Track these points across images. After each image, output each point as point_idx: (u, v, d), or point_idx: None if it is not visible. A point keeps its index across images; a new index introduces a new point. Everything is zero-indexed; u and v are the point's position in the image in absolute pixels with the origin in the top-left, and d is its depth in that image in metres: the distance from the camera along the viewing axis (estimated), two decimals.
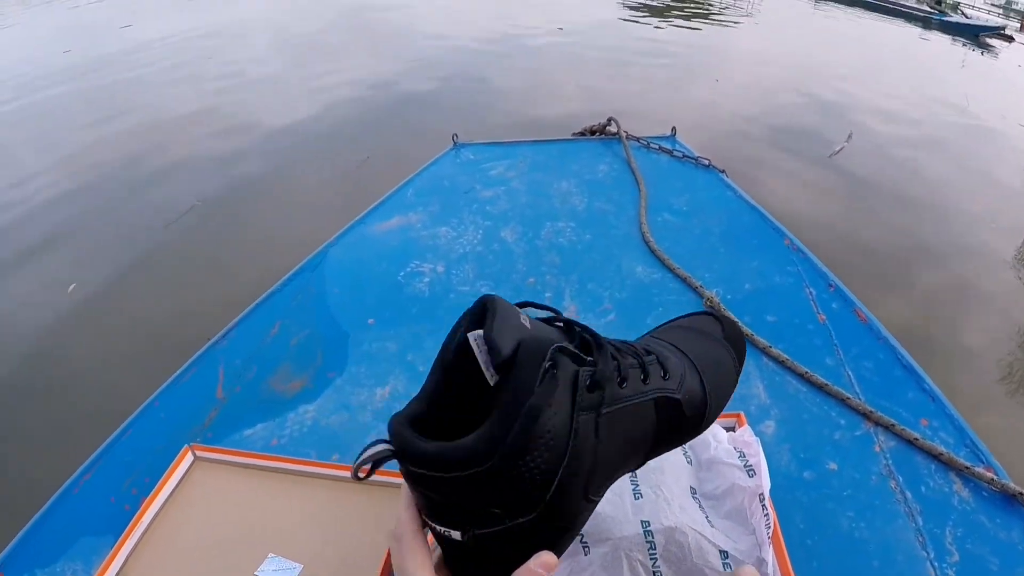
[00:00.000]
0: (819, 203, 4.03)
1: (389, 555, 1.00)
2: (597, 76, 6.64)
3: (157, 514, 1.09)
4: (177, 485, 1.14)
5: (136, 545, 1.05)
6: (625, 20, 9.43)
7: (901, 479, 1.15)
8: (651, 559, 0.82)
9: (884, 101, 5.56)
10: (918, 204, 4.05)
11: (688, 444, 0.96)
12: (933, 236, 3.72)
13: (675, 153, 2.41)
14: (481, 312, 0.51)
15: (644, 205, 2.02)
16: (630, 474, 0.89)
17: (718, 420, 1.04)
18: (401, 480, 0.51)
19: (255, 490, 1.13)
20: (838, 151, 4.74)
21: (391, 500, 1.08)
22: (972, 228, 3.87)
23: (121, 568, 1.02)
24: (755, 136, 4.99)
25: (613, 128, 2.59)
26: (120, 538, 1.02)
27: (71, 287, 3.58)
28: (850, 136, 4.93)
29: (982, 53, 7.14)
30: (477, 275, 1.75)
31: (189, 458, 1.17)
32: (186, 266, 3.60)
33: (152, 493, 1.09)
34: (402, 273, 1.77)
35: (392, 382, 1.41)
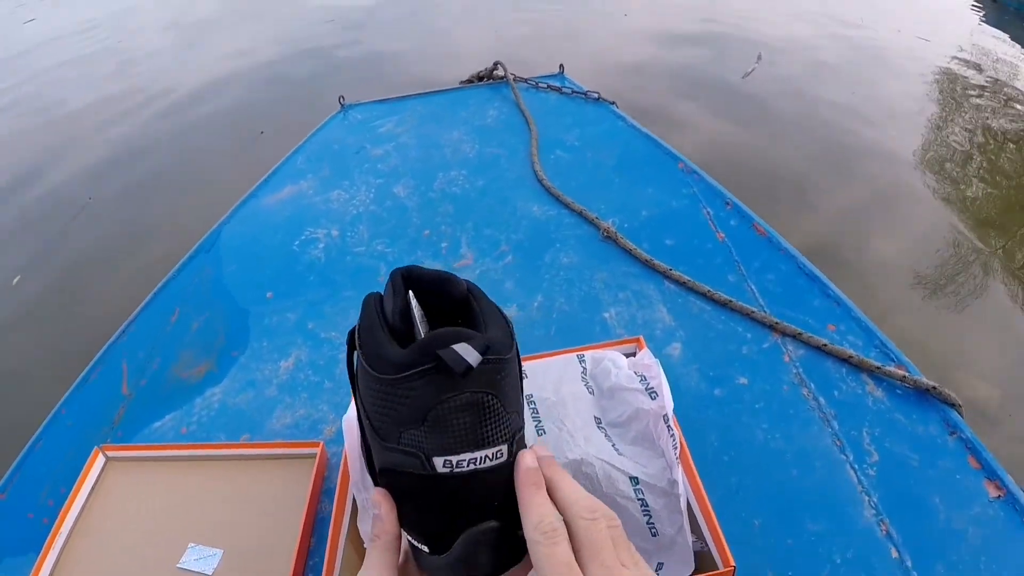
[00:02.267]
0: (726, 130, 4.06)
1: (304, 530, 1.00)
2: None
3: (75, 522, 1.08)
4: (92, 489, 1.12)
5: (58, 557, 1.03)
6: None
7: (813, 386, 1.18)
8: None
9: (782, 25, 5.60)
10: (820, 122, 4.10)
11: (589, 374, 0.98)
12: (837, 152, 3.78)
13: (564, 90, 2.40)
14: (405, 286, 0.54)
15: (535, 145, 2.01)
16: (531, 411, 0.90)
17: (617, 347, 1.05)
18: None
19: (170, 482, 1.12)
20: (750, 72, 4.77)
21: (303, 474, 1.08)
22: (877, 137, 3.94)
23: None
24: (664, 67, 4.99)
25: (500, 72, 2.56)
26: (40, 553, 1.01)
27: (16, 279, 3.49)
28: (759, 57, 4.96)
29: None
30: (372, 235, 1.73)
31: (101, 460, 1.15)
32: (82, 264, 3.49)
33: (67, 502, 1.07)
34: (297, 242, 1.74)
35: (295, 352, 1.40)
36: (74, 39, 7.80)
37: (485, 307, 0.55)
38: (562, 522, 0.48)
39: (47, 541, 1.02)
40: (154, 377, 1.42)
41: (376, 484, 0.55)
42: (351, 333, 0.55)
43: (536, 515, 0.48)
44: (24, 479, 1.26)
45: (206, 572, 0.98)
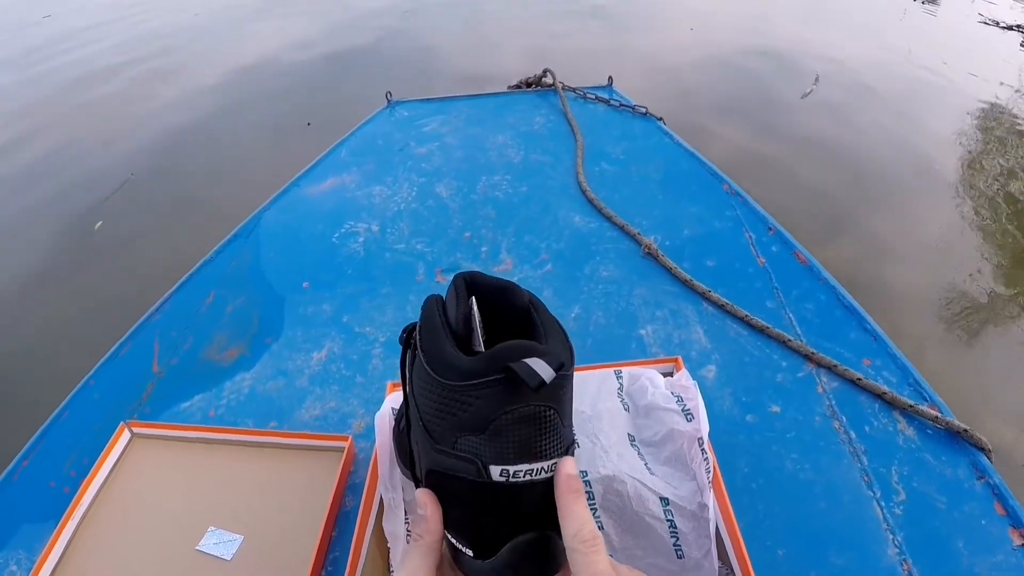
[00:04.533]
0: (777, 148, 4.06)
1: (327, 523, 1.00)
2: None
3: (96, 495, 1.08)
4: (115, 464, 1.13)
5: (77, 528, 1.04)
6: None
7: (845, 419, 1.16)
8: (591, 510, 0.82)
9: (832, 50, 5.59)
10: (861, 149, 4.09)
11: (625, 391, 0.97)
12: (877, 180, 3.76)
13: (612, 102, 2.39)
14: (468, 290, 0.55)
15: (581, 155, 2.00)
16: None
17: (656, 365, 1.04)
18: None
19: (194, 464, 1.12)
20: (808, 93, 4.78)
21: (329, 467, 1.08)
22: (915, 170, 3.92)
23: (63, 552, 1.01)
24: (719, 86, 5.00)
25: (549, 79, 2.56)
26: (60, 522, 1.01)
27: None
28: (817, 79, 4.97)
29: (923, 3, 7.19)
30: (412, 232, 1.73)
31: (126, 436, 1.15)
32: (123, 239, 3.52)
33: (90, 474, 1.08)
34: (336, 234, 1.74)
35: (328, 344, 1.40)
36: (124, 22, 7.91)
37: (546, 320, 0.55)
38: (598, 531, 0.48)
39: (67, 511, 1.03)
40: (185, 357, 1.42)
41: (418, 483, 0.55)
42: (407, 332, 0.55)
43: (576, 523, 0.48)
44: (48, 448, 1.26)
45: (224, 557, 0.98)
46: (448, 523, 0.52)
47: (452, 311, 0.54)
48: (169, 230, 3.50)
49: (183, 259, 1.81)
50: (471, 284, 0.56)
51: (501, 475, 0.48)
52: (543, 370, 0.45)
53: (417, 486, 0.55)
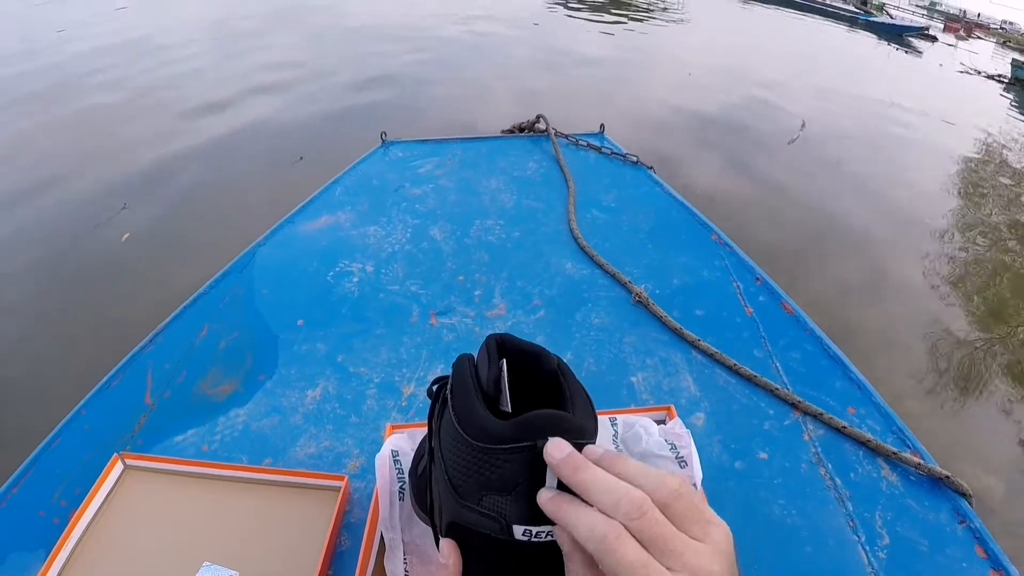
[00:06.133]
0: (769, 192, 4.14)
1: (324, 562, 1.00)
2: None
3: (88, 526, 1.07)
4: (108, 495, 1.12)
5: (68, 559, 1.03)
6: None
7: (831, 466, 1.18)
8: None
9: (815, 101, 5.69)
10: (845, 197, 4.16)
11: (620, 438, 0.99)
12: (855, 227, 3.82)
13: (603, 150, 2.43)
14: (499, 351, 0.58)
15: (573, 202, 2.03)
16: None
17: (649, 413, 1.06)
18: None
19: (188, 498, 1.12)
20: (795, 139, 4.88)
21: (325, 506, 1.08)
22: (893, 220, 3.98)
23: None
24: (710, 129, 5.10)
25: (542, 125, 2.60)
26: (51, 552, 1.01)
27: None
28: (803, 125, 5.08)
29: (906, 52, 7.35)
30: (407, 274, 1.75)
31: (119, 467, 1.15)
32: (113, 270, 3.52)
33: (82, 505, 1.07)
34: (331, 273, 1.76)
35: (323, 383, 1.40)
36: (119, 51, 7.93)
37: (572, 386, 0.57)
38: (614, 521, 0.47)
39: (59, 541, 1.02)
40: (179, 391, 1.42)
41: (434, 527, 0.57)
42: (437, 386, 0.56)
43: (584, 527, 0.47)
44: (37, 476, 1.25)
45: None
46: (467, 575, 0.53)
47: (483, 371, 0.56)
48: (161, 260, 3.51)
49: (176, 291, 1.82)
50: (502, 346, 0.58)
51: (523, 535, 0.50)
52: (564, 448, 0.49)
53: (434, 530, 0.56)
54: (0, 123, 5.62)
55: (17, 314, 3.21)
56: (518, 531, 0.50)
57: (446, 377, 0.61)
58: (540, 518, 0.50)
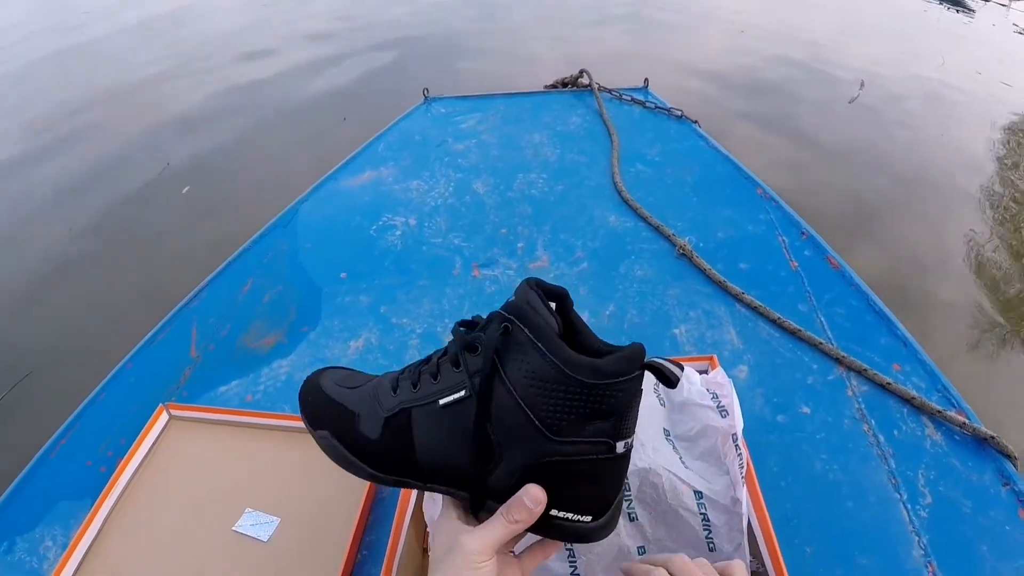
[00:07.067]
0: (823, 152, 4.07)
1: (364, 509, 1.01)
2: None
3: (134, 474, 1.09)
4: (153, 445, 1.14)
5: (114, 506, 1.05)
6: None
7: (874, 423, 1.16)
8: (626, 501, 0.83)
9: (868, 59, 5.57)
10: (895, 159, 4.07)
11: (661, 387, 0.98)
12: (912, 188, 3.74)
13: (647, 104, 2.39)
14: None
15: (616, 156, 2.01)
16: None
17: (691, 363, 1.05)
18: None
19: (231, 446, 1.13)
20: (855, 97, 4.79)
21: None
22: (948, 181, 3.89)
23: (100, 529, 1.02)
24: (757, 89, 5.01)
25: (585, 80, 2.57)
26: (97, 500, 1.03)
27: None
28: (863, 84, 4.97)
29: (958, 11, 7.14)
30: (449, 227, 1.75)
31: (164, 417, 1.17)
32: (160, 226, 3.55)
33: (128, 454, 1.09)
34: (374, 227, 1.76)
35: (365, 334, 1.41)
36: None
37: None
38: None
39: (105, 489, 1.04)
40: (223, 343, 1.44)
41: (487, 474, 0.58)
42: (503, 332, 0.57)
43: None
44: (84, 428, 1.28)
45: (261, 538, 0.99)
46: (564, 505, 0.57)
47: (553, 322, 0.58)
48: (204, 219, 3.53)
49: (220, 248, 1.83)
50: (540, 286, 0.60)
51: (624, 447, 0.56)
52: (676, 370, 0.55)
53: (487, 478, 0.59)
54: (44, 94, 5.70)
55: (67, 268, 3.27)
56: (620, 446, 0.56)
57: (474, 322, 0.62)
58: (630, 431, 0.57)
